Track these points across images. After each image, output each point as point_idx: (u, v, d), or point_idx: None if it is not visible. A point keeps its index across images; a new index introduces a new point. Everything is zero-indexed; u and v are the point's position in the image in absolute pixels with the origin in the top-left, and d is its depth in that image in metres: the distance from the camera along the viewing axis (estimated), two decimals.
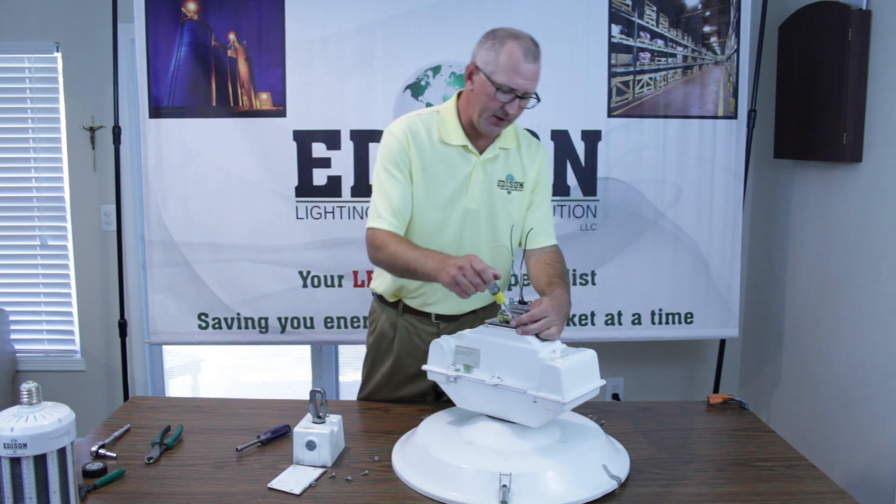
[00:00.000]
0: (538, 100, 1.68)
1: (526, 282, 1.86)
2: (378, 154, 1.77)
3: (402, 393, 1.89)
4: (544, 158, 1.87)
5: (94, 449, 1.50)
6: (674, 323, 2.80)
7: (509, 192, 1.79)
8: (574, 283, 2.72)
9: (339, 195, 2.65)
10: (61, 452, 1.15)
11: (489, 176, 1.77)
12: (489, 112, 1.66)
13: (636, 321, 2.80)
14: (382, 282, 1.88)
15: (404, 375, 1.88)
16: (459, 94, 1.78)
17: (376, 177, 1.76)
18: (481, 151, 1.76)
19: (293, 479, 1.40)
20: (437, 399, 1.87)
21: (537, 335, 1.45)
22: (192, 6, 2.57)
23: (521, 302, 1.50)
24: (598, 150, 2.69)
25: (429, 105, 2.62)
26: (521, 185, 1.81)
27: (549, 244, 1.84)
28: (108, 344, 3.14)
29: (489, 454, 1.37)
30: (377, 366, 1.93)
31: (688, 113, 2.71)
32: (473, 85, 1.68)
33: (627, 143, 2.70)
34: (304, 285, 2.70)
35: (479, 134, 1.74)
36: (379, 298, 1.93)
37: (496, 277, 1.49)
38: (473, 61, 1.68)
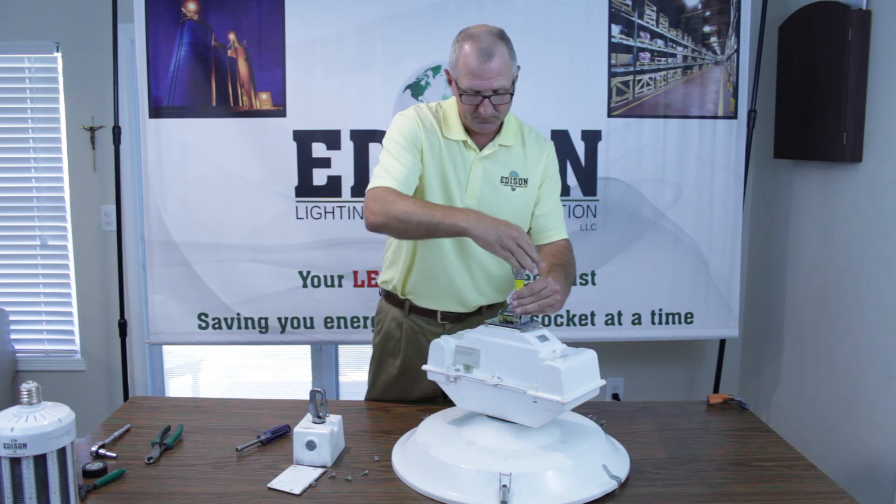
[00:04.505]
0: (511, 94, 1.65)
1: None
2: (388, 134, 1.73)
3: (410, 395, 1.86)
4: (551, 154, 1.86)
5: (94, 449, 1.50)
6: (674, 323, 2.80)
7: (514, 189, 1.78)
8: (574, 283, 2.71)
9: (339, 195, 2.65)
10: (61, 452, 1.15)
11: (489, 173, 1.76)
12: (468, 114, 1.68)
13: (636, 321, 2.80)
14: (394, 273, 1.84)
15: (412, 377, 1.84)
16: None
17: (385, 150, 1.71)
18: (481, 148, 1.75)
19: (293, 479, 1.40)
20: (444, 400, 1.84)
21: (533, 317, 1.47)
22: (192, 6, 2.57)
23: None
24: (598, 150, 2.69)
25: None
26: (526, 181, 1.79)
27: (559, 238, 1.83)
28: (108, 344, 3.14)
29: (489, 454, 1.37)
30: (383, 366, 1.91)
31: (688, 113, 2.71)
32: (453, 88, 1.71)
33: (627, 143, 2.70)
34: (304, 285, 2.70)
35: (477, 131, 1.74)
36: (386, 297, 1.91)
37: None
38: (446, 66, 1.71)
